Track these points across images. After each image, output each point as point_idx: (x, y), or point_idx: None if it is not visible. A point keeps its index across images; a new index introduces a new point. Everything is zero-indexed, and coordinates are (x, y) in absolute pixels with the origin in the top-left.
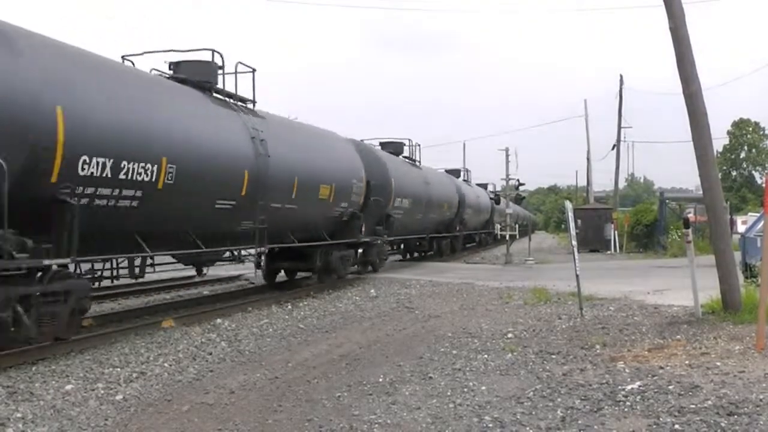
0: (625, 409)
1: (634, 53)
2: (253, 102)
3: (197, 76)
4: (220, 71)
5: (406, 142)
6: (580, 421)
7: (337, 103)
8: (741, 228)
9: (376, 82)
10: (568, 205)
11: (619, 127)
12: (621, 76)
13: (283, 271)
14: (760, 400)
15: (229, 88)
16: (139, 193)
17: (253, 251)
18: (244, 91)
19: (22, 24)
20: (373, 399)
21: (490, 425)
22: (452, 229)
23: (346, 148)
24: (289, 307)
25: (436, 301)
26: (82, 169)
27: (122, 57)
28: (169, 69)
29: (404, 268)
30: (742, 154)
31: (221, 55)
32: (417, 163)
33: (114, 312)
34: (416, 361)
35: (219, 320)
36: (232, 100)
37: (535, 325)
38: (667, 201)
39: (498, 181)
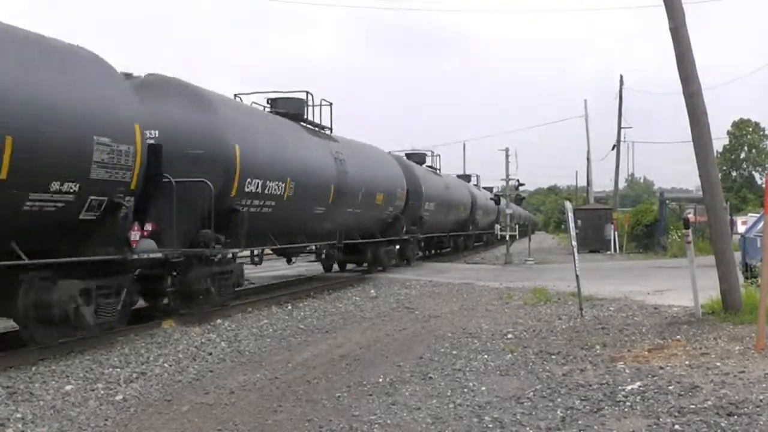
0: (625, 410)
1: (634, 53)
2: (331, 129)
3: (293, 110)
4: (309, 105)
5: (428, 153)
6: (580, 422)
7: (335, 104)
8: (741, 228)
9: (375, 83)
10: (568, 205)
11: (619, 127)
12: (621, 76)
13: (336, 264)
14: (760, 400)
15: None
16: (273, 203)
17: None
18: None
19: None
20: (373, 399)
21: (490, 425)
22: (466, 228)
23: (391, 162)
24: (289, 307)
25: (436, 301)
26: (247, 187)
27: (235, 95)
28: (267, 103)
29: (404, 269)
30: (742, 155)
31: (311, 94)
32: (438, 171)
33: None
34: (416, 362)
35: (219, 320)
36: (317, 128)
37: (535, 326)
38: (667, 201)
39: (498, 182)
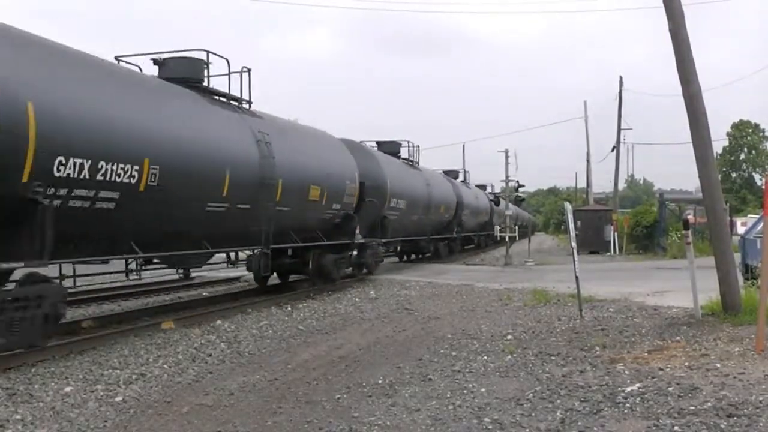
0: (625, 411)
1: (634, 55)
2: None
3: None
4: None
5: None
6: (579, 423)
7: (334, 105)
8: (741, 229)
9: (374, 83)
10: (568, 206)
11: (619, 129)
12: (621, 78)
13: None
14: (760, 401)
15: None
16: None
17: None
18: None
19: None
20: (373, 401)
21: (490, 427)
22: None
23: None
24: (289, 308)
25: (436, 302)
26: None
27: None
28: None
29: (404, 270)
30: (742, 156)
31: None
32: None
33: (114, 313)
34: (416, 363)
35: (218, 322)
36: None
37: (534, 327)
38: (666, 202)
39: (498, 183)
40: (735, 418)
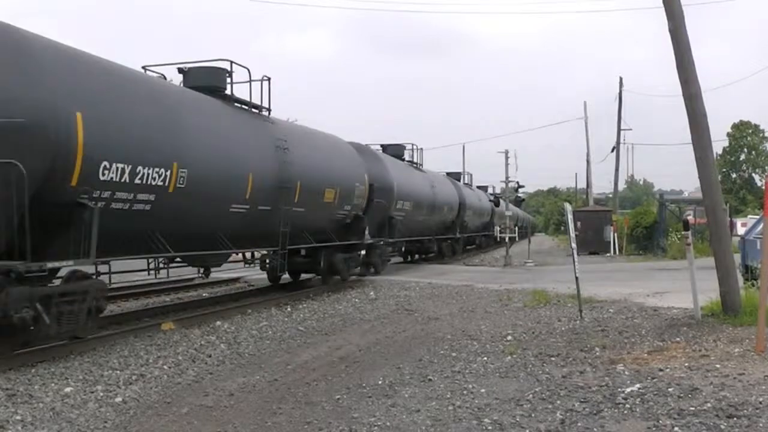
0: (625, 412)
1: (634, 56)
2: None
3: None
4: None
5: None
6: (579, 424)
7: (334, 105)
8: (740, 230)
9: (374, 84)
10: (568, 207)
11: (619, 130)
12: (621, 79)
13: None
14: (760, 402)
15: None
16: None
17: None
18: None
19: None
20: (373, 401)
21: (490, 427)
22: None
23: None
24: (289, 309)
25: (436, 303)
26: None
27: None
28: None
29: (403, 271)
30: (742, 156)
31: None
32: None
33: (114, 314)
34: (416, 364)
35: (218, 322)
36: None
37: (534, 328)
38: (666, 203)
39: (498, 183)
40: (735, 418)
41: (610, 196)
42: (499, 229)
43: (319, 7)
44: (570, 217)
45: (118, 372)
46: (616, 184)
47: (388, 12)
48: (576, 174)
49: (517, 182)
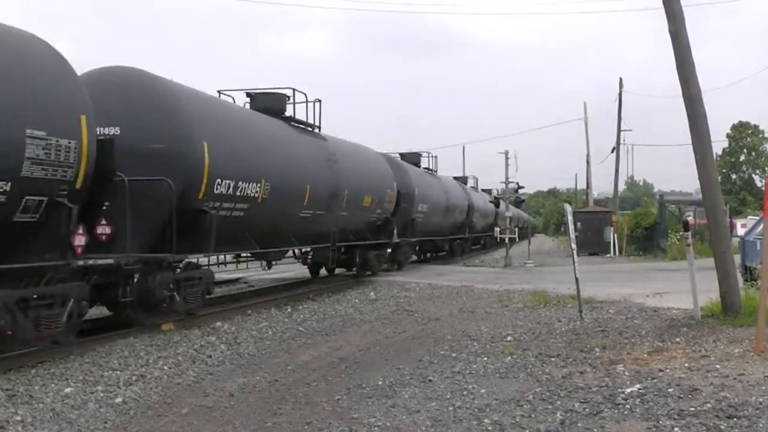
0: (625, 412)
1: (634, 56)
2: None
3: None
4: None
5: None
6: (579, 424)
7: (332, 106)
8: (740, 231)
9: (373, 84)
10: (568, 208)
11: (619, 130)
12: (620, 79)
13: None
14: (760, 403)
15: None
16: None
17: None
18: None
19: None
20: (373, 402)
21: (490, 428)
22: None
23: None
24: (289, 310)
25: (436, 304)
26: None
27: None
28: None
29: (404, 271)
30: (742, 157)
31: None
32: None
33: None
34: (416, 364)
35: (218, 323)
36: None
37: (534, 328)
38: (666, 204)
39: (498, 184)
40: (735, 419)
41: (610, 197)
42: (498, 229)
43: (318, 7)
44: (570, 217)
45: (118, 372)
46: (616, 184)
47: (387, 12)
48: (576, 175)
49: (517, 183)
